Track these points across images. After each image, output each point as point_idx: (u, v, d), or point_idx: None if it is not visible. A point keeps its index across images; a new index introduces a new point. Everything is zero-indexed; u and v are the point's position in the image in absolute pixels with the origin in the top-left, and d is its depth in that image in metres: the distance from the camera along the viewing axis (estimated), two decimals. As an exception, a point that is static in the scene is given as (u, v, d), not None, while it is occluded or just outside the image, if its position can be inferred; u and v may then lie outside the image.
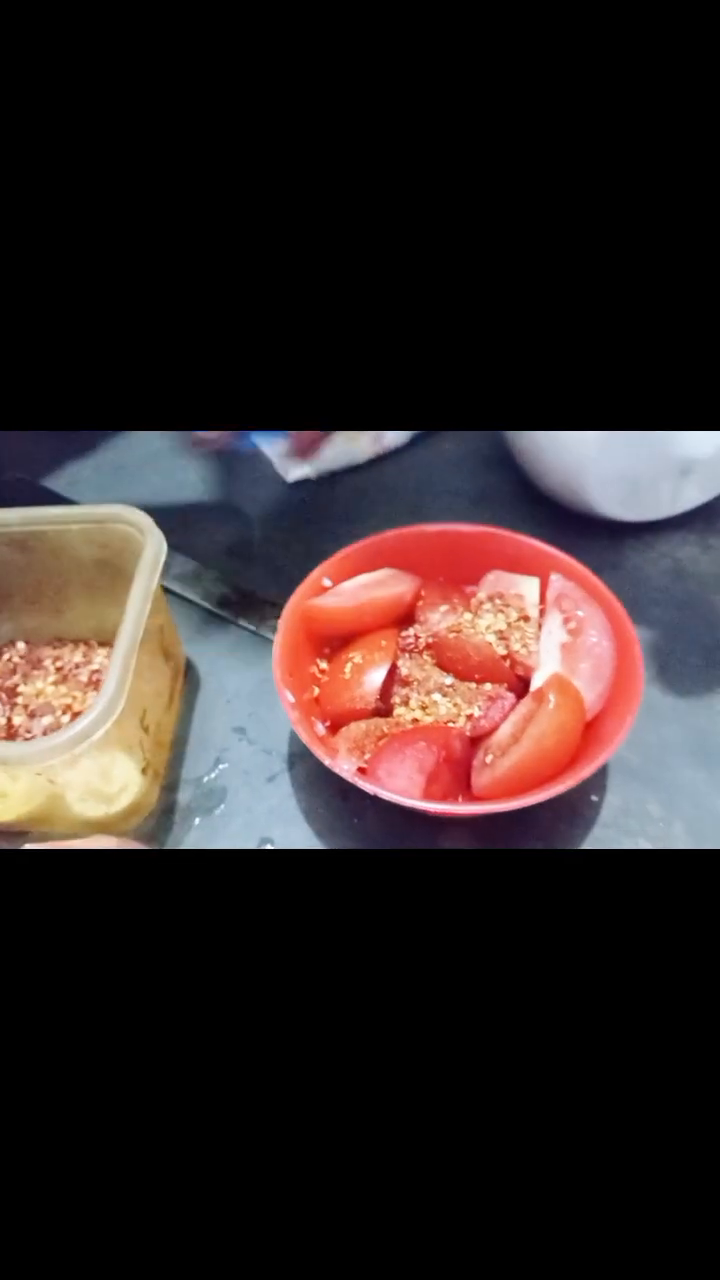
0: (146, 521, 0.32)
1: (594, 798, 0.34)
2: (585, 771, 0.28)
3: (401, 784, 0.28)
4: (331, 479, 0.47)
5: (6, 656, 0.37)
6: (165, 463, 0.49)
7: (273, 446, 0.48)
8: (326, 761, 0.29)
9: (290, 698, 0.30)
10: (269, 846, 0.33)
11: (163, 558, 0.32)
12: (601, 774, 0.34)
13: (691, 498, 0.41)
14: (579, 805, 0.33)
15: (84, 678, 0.37)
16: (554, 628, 0.32)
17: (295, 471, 0.47)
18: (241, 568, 0.43)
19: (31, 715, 0.35)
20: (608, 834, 0.33)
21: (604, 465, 0.38)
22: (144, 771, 0.32)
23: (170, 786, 0.34)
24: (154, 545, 0.32)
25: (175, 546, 0.43)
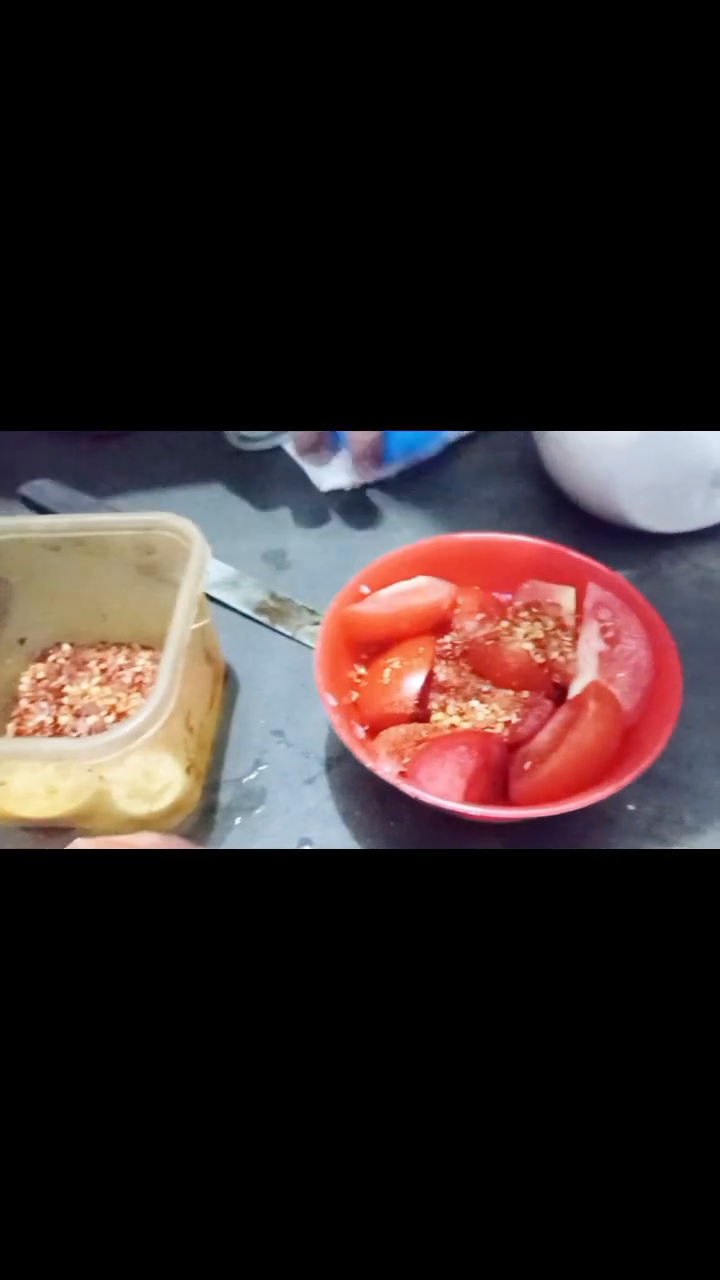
0: (192, 529, 0.33)
1: (630, 806, 0.34)
2: (625, 779, 0.28)
3: (441, 787, 0.29)
4: (364, 489, 0.48)
5: (53, 658, 0.38)
6: (202, 473, 0.50)
7: (296, 452, 0.49)
8: (368, 764, 0.29)
9: (332, 701, 0.31)
10: (308, 848, 0.33)
11: (207, 564, 0.33)
12: (636, 782, 0.34)
13: None
14: (613, 813, 0.34)
15: (127, 679, 0.38)
16: (591, 636, 0.33)
17: (329, 482, 0.48)
18: (278, 575, 0.44)
19: (77, 715, 0.36)
20: (641, 842, 0.33)
21: (634, 476, 0.38)
22: (188, 771, 0.33)
23: (211, 787, 0.35)
24: (199, 552, 0.33)
25: (214, 554, 0.44)
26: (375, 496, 0.48)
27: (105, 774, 0.30)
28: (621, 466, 0.38)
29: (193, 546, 0.33)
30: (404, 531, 0.46)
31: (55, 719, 0.36)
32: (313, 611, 0.41)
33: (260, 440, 0.50)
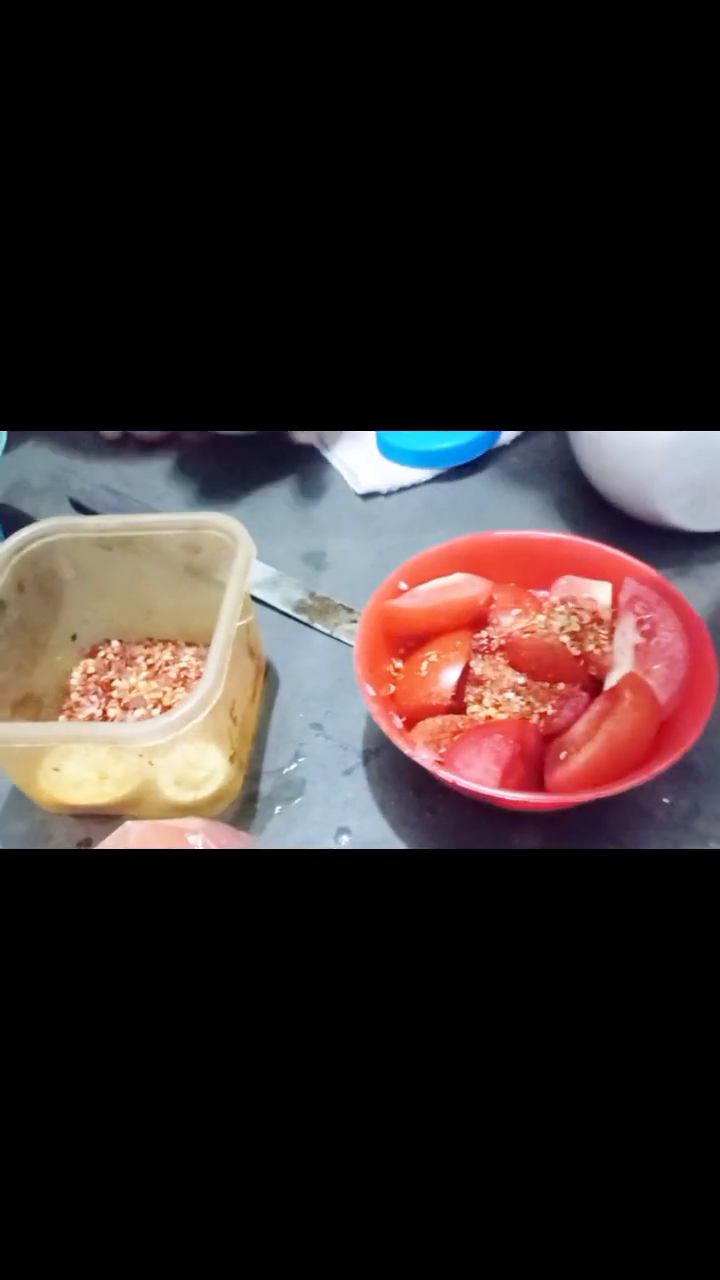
0: (238, 528, 0.35)
1: (666, 800, 0.34)
2: (660, 767, 0.28)
3: (478, 775, 0.30)
4: (400, 491, 0.49)
5: (102, 654, 0.40)
6: (245, 478, 0.51)
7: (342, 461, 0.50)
8: (406, 751, 0.30)
9: (371, 691, 0.32)
10: (346, 837, 0.34)
11: (252, 562, 0.34)
12: (672, 776, 0.35)
13: None
14: (649, 807, 0.34)
15: (173, 674, 0.39)
16: (627, 629, 0.33)
17: (365, 484, 0.49)
18: (317, 575, 0.45)
19: (125, 708, 0.38)
20: (677, 836, 0.33)
21: (671, 474, 0.38)
22: (231, 760, 0.34)
23: (253, 777, 0.36)
24: (245, 550, 0.34)
25: (256, 556, 0.46)
26: (412, 499, 0.49)
27: (155, 759, 0.31)
28: (658, 466, 0.38)
29: (239, 544, 0.34)
30: (440, 533, 0.47)
31: (104, 711, 0.38)
32: (350, 610, 0.42)
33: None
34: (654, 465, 0.38)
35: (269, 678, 0.40)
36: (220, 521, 0.35)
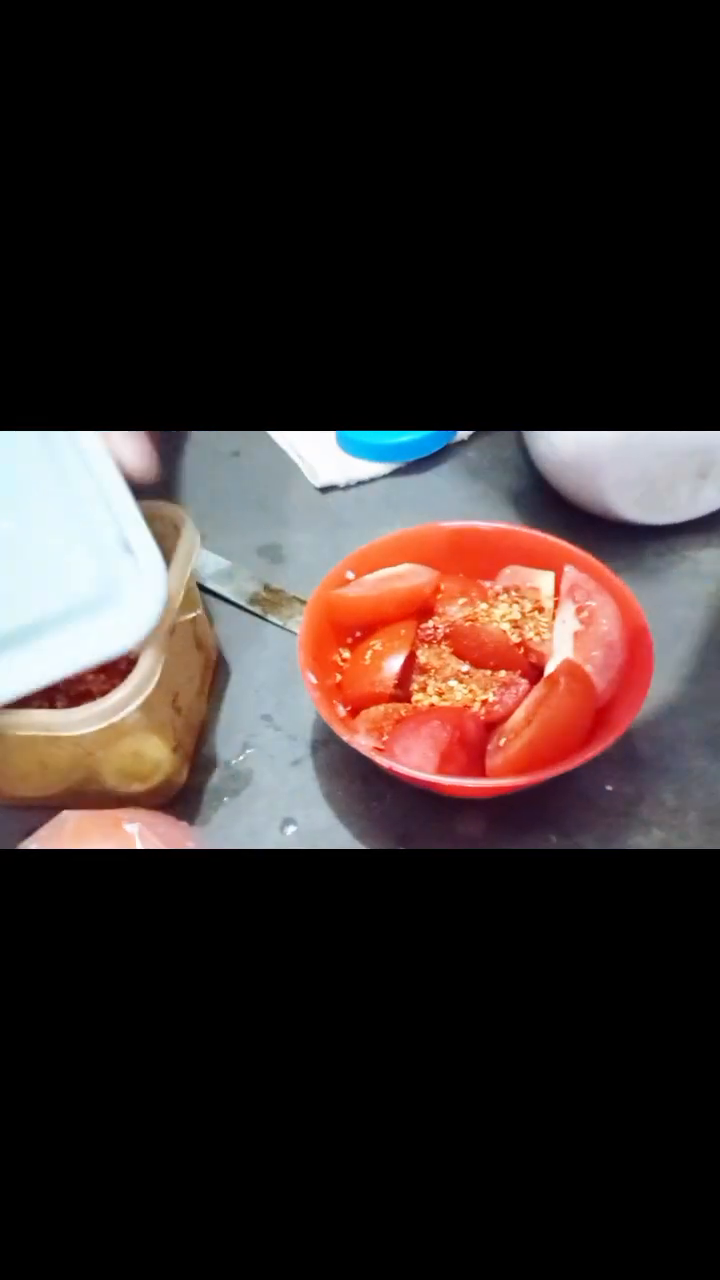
0: (181, 515, 0.35)
1: (609, 786, 0.34)
2: (596, 749, 0.29)
3: (416, 760, 0.30)
4: (358, 485, 0.49)
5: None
6: (200, 468, 0.51)
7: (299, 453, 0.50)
8: (345, 737, 0.30)
9: (313, 679, 0.32)
10: (292, 827, 0.34)
11: (197, 549, 0.34)
12: (617, 764, 0.35)
13: (711, 499, 0.42)
14: (593, 794, 0.34)
15: (123, 667, 0.39)
16: (567, 617, 0.33)
17: (323, 478, 0.49)
18: (273, 568, 0.45)
19: (74, 701, 0.38)
20: (621, 822, 0.33)
21: (620, 468, 0.39)
22: (175, 750, 0.34)
23: (200, 768, 0.36)
24: (189, 537, 0.34)
25: (210, 548, 0.46)
26: (370, 492, 0.49)
27: (95, 750, 0.31)
28: (608, 460, 0.38)
29: (183, 531, 0.34)
30: (397, 527, 0.47)
31: (53, 706, 0.37)
32: (304, 602, 0.42)
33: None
34: (602, 459, 0.39)
35: (220, 670, 0.40)
36: (163, 510, 0.35)
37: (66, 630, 0.28)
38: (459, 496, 0.48)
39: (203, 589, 0.43)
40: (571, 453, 0.40)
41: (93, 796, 0.34)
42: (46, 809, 0.35)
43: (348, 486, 0.49)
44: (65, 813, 0.29)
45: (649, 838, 0.33)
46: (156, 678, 0.30)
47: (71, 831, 0.29)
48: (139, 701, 0.29)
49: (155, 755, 0.33)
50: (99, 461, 0.31)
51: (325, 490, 0.49)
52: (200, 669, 0.38)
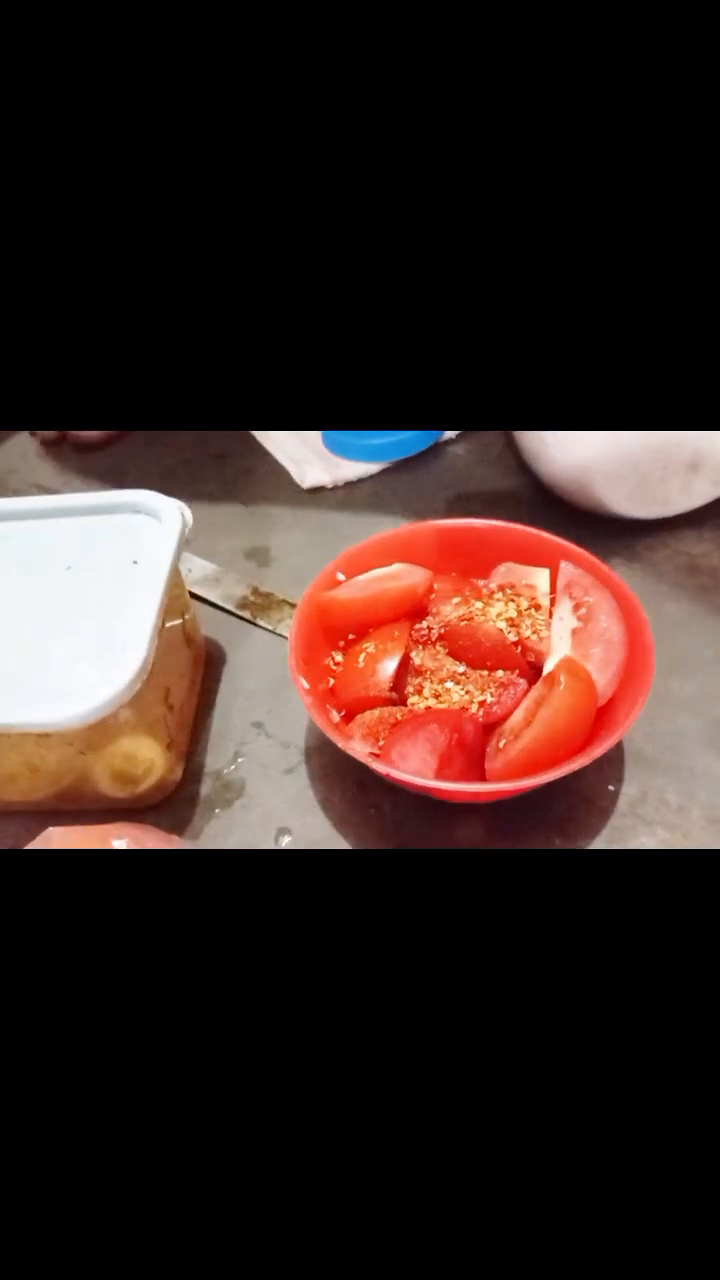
0: (165, 502, 0.34)
1: (611, 787, 0.33)
2: (598, 750, 0.28)
3: (414, 765, 0.29)
4: (346, 486, 0.49)
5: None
6: (184, 471, 0.50)
7: (286, 453, 0.49)
8: (340, 744, 0.29)
9: (305, 684, 0.31)
10: (287, 837, 0.33)
11: (183, 534, 0.33)
12: (618, 763, 0.34)
13: (703, 493, 0.41)
14: (595, 794, 0.33)
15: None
16: (564, 614, 0.32)
17: (311, 479, 0.48)
18: (261, 571, 0.44)
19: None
20: (625, 823, 0.32)
21: (611, 463, 0.38)
22: (169, 748, 0.33)
23: (192, 778, 0.35)
24: (172, 521, 0.33)
25: (196, 551, 0.45)
26: (358, 493, 0.48)
27: (86, 750, 0.30)
28: (598, 455, 0.38)
29: (163, 517, 0.33)
30: (386, 527, 0.46)
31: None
32: (294, 605, 0.41)
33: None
34: (592, 454, 0.38)
35: (209, 675, 0.39)
36: (149, 501, 0.34)
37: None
38: (448, 495, 0.47)
39: (190, 594, 0.42)
40: (561, 448, 0.40)
41: (85, 802, 0.33)
42: (36, 815, 0.34)
43: (335, 487, 0.48)
44: (50, 829, 0.28)
45: (654, 838, 0.32)
46: (148, 672, 0.29)
47: (58, 846, 0.28)
48: (130, 696, 0.28)
49: (148, 755, 0.32)
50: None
51: (312, 491, 0.48)
52: (190, 665, 0.37)
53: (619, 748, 0.34)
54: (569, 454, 0.40)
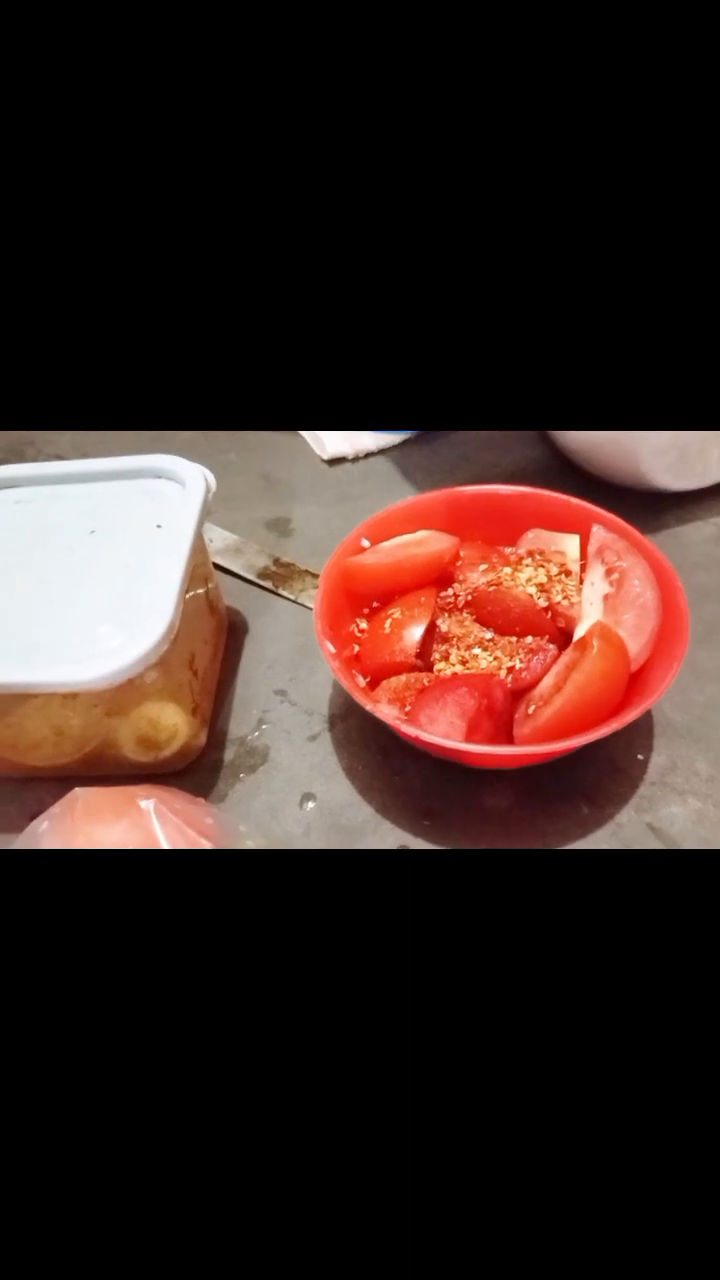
0: (187, 465, 0.34)
1: (640, 756, 0.33)
2: (631, 715, 0.27)
3: (442, 729, 0.28)
4: (367, 457, 0.48)
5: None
6: (204, 442, 0.50)
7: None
8: (368, 707, 0.29)
9: (331, 648, 0.31)
10: (311, 803, 0.33)
11: (208, 497, 0.33)
12: (648, 732, 0.34)
13: None
14: (625, 763, 0.33)
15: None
16: (596, 579, 0.32)
17: (331, 449, 0.47)
18: (282, 542, 0.44)
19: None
20: (654, 791, 0.32)
21: (659, 436, 0.37)
22: (193, 714, 0.32)
23: (215, 745, 0.35)
24: (196, 485, 0.33)
25: (217, 522, 0.45)
26: (379, 464, 0.48)
27: (112, 714, 0.30)
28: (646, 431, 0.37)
29: (187, 480, 0.33)
30: (407, 497, 0.46)
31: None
32: (315, 575, 0.41)
33: None
34: (659, 442, 0.37)
35: (231, 645, 0.39)
36: (167, 464, 0.34)
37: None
38: (470, 466, 0.47)
39: (212, 565, 0.42)
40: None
41: (108, 767, 0.33)
42: (61, 781, 0.34)
43: (356, 458, 0.48)
44: (77, 790, 0.28)
45: (685, 807, 0.31)
46: (174, 634, 0.28)
47: (83, 809, 0.28)
48: (158, 656, 0.28)
49: (172, 720, 0.32)
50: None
51: (333, 463, 0.48)
52: (213, 633, 0.36)
53: (648, 717, 0.34)
54: (614, 433, 0.38)
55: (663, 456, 0.38)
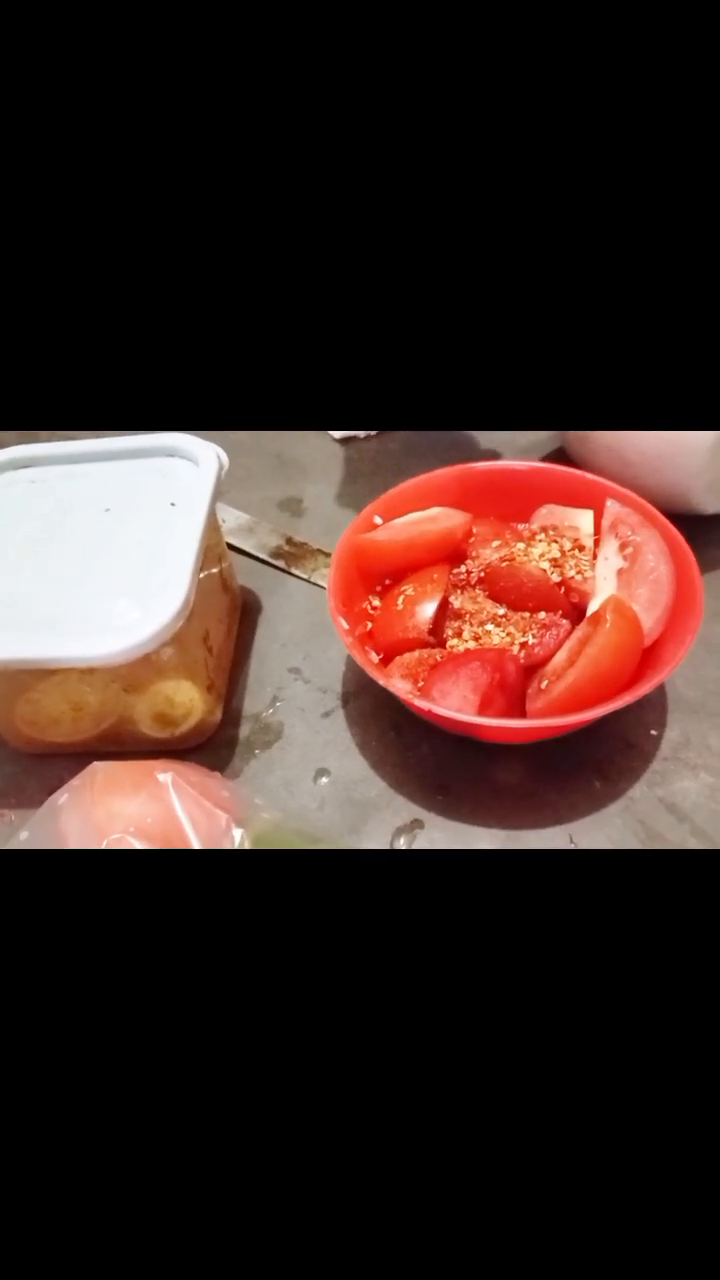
0: (200, 444, 0.34)
1: (653, 731, 0.33)
2: (643, 690, 0.27)
3: (455, 703, 0.28)
4: (379, 436, 0.48)
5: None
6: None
7: None
8: (381, 682, 0.29)
9: (344, 625, 0.31)
10: (325, 778, 0.33)
11: (221, 475, 0.33)
12: (660, 707, 0.34)
13: None
14: (636, 739, 0.33)
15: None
16: (610, 554, 0.32)
17: (343, 429, 0.47)
18: (294, 521, 0.44)
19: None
20: (666, 766, 0.32)
21: (699, 455, 0.34)
22: (208, 690, 0.33)
23: (230, 722, 0.35)
24: (208, 463, 0.33)
25: (229, 501, 0.45)
26: (390, 442, 0.47)
27: (130, 691, 0.30)
28: (682, 449, 0.34)
29: (200, 459, 0.33)
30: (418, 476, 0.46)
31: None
32: (328, 555, 0.41)
33: None
34: (700, 457, 0.34)
35: (245, 624, 0.39)
36: (181, 443, 0.34)
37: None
38: (481, 446, 0.47)
39: (227, 544, 0.42)
40: (662, 451, 0.35)
41: (125, 743, 0.33)
42: (79, 757, 0.34)
43: (367, 437, 0.48)
44: (96, 764, 0.29)
45: (697, 782, 0.31)
46: (189, 610, 0.29)
47: (102, 782, 0.28)
48: (174, 632, 0.28)
49: (188, 697, 0.32)
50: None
51: (344, 441, 0.48)
52: (227, 611, 0.37)
53: (661, 691, 0.34)
54: (673, 457, 0.34)
55: (699, 477, 0.35)
